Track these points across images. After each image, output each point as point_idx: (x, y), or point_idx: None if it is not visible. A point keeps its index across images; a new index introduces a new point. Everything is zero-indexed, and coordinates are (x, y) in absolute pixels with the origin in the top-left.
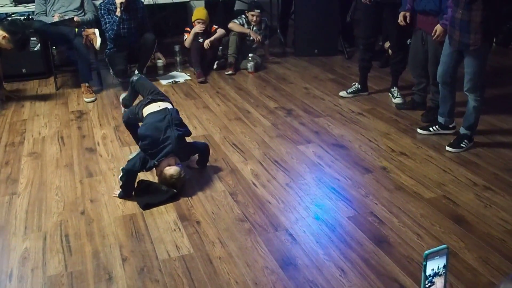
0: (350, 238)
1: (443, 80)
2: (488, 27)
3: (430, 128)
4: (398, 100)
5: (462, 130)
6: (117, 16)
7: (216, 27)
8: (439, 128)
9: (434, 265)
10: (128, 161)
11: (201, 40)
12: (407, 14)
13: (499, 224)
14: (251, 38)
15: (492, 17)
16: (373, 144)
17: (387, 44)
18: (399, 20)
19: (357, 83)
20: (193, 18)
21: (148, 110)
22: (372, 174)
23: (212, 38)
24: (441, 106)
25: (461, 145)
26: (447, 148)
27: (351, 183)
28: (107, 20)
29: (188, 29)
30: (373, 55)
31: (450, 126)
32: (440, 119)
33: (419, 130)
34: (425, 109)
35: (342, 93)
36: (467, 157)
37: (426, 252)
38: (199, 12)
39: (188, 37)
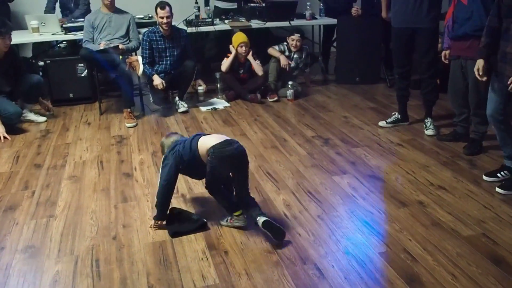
0: (380, 275)
1: (495, 119)
2: None
3: (498, 174)
4: (430, 132)
5: (507, 162)
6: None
7: (252, 52)
8: (508, 173)
9: None
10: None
11: (241, 71)
12: (447, 52)
13: None
14: (292, 65)
15: None
16: (410, 177)
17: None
18: (443, 59)
19: (397, 113)
20: (235, 43)
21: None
22: (407, 208)
23: (254, 64)
24: (504, 149)
25: (498, 174)
26: (498, 190)
27: (385, 217)
28: (143, 54)
29: (229, 55)
30: (410, 83)
31: None
32: (508, 163)
33: (485, 177)
34: (467, 141)
35: (382, 123)
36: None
37: None
38: (239, 36)
39: (226, 60)
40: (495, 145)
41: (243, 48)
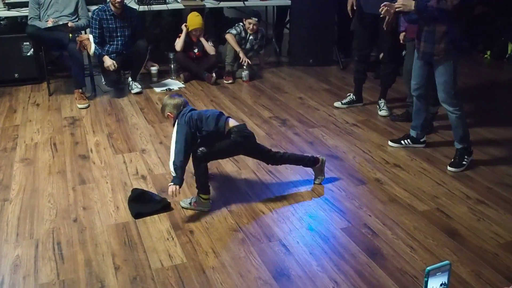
0: (344, 249)
1: (418, 93)
2: (452, 36)
3: (402, 142)
4: (383, 113)
5: (457, 145)
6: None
7: (207, 36)
8: (410, 142)
9: (436, 283)
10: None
11: (195, 50)
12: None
13: (492, 238)
14: (247, 47)
15: (456, 26)
16: (367, 156)
17: (382, 55)
18: (401, 41)
19: (352, 94)
20: (189, 25)
21: None
22: (366, 186)
23: (207, 47)
24: (414, 120)
25: (463, 163)
26: (449, 168)
27: (345, 194)
28: (93, 33)
29: (181, 34)
30: (368, 66)
31: (421, 140)
32: (412, 133)
33: (390, 143)
34: None
35: (337, 104)
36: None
37: (428, 268)
38: (193, 20)
39: (178, 40)
40: (445, 125)
41: (197, 32)
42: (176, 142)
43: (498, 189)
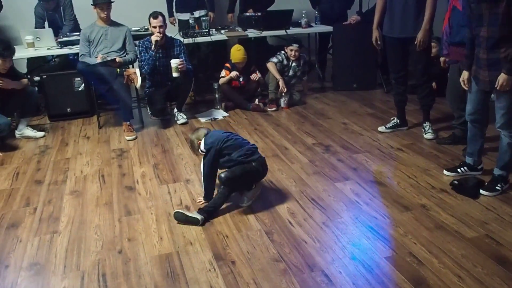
0: (388, 279)
1: (473, 118)
2: None
3: (458, 170)
4: (429, 136)
5: (497, 171)
6: (152, 51)
7: (254, 66)
8: (467, 170)
9: None
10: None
11: (241, 79)
12: (447, 59)
13: None
14: (290, 74)
15: None
16: (412, 181)
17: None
18: (441, 65)
19: (395, 118)
20: (233, 59)
21: None
22: (411, 212)
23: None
24: (469, 146)
25: (497, 188)
26: (482, 192)
27: (389, 221)
28: (143, 57)
29: (228, 65)
30: (407, 88)
31: (479, 167)
32: (469, 160)
33: (445, 172)
34: (466, 144)
35: (381, 128)
36: (511, 194)
37: None
38: (235, 54)
39: (223, 78)
40: (493, 147)
41: (240, 65)
42: (204, 166)
43: None
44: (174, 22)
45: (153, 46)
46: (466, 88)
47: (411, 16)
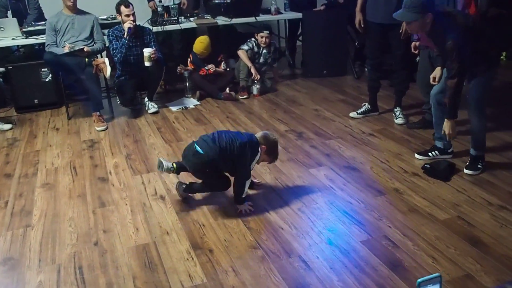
0: (365, 263)
1: (438, 100)
2: (490, 57)
3: (429, 154)
4: (399, 121)
5: (473, 151)
6: (125, 39)
7: (222, 56)
8: (438, 154)
9: None
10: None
11: (208, 67)
12: (417, 44)
13: None
14: (261, 61)
15: (489, 49)
16: (385, 165)
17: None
18: (412, 50)
19: (367, 103)
20: (195, 50)
21: None
22: (385, 196)
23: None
24: (436, 130)
25: (478, 166)
26: (466, 171)
27: (364, 206)
28: (114, 46)
29: (191, 57)
30: (382, 75)
31: (449, 151)
32: (439, 144)
33: (417, 156)
34: None
35: (352, 114)
36: (481, 176)
37: (419, 280)
38: (197, 45)
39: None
40: (462, 131)
41: (203, 55)
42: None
43: None
44: (154, 6)
45: (125, 34)
46: (434, 83)
47: (395, 2)
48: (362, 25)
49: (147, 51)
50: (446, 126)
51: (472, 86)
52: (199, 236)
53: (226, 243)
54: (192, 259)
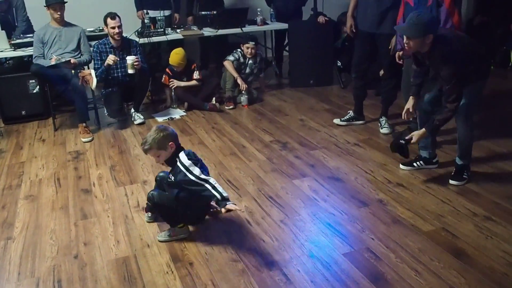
0: (346, 276)
1: (424, 109)
2: (480, 67)
3: (414, 164)
4: (385, 130)
5: (459, 161)
6: (105, 66)
7: (195, 65)
8: (423, 164)
9: None
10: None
11: (184, 79)
12: (401, 53)
13: (501, 256)
14: (247, 71)
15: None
16: (369, 176)
17: (382, 72)
18: (397, 60)
19: (351, 111)
20: (172, 63)
21: None
22: (368, 208)
23: (183, 84)
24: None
25: (464, 176)
26: (451, 181)
27: (347, 217)
28: (96, 65)
29: (168, 70)
30: (367, 83)
31: (434, 160)
32: (424, 153)
33: (401, 166)
34: None
35: (336, 121)
36: (466, 186)
37: None
38: (172, 57)
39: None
40: (448, 140)
41: (178, 68)
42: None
43: (506, 204)
44: (142, 16)
45: (105, 64)
46: (406, 119)
47: (384, 12)
48: (354, 30)
49: (130, 59)
50: (419, 134)
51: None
52: (180, 249)
53: (207, 256)
54: (172, 272)
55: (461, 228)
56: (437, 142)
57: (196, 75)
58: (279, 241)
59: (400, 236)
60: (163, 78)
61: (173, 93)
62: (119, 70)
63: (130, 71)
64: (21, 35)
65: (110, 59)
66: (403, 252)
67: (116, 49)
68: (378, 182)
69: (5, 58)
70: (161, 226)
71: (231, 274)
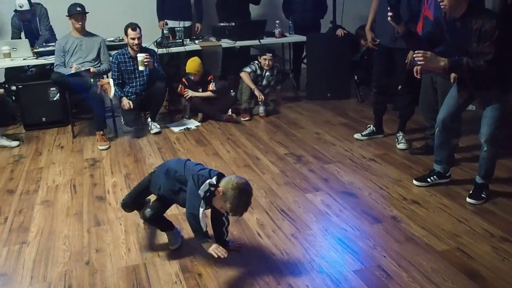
0: None
1: (444, 125)
2: (504, 79)
3: (428, 179)
4: (402, 146)
5: (479, 179)
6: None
7: (212, 76)
8: (437, 178)
9: None
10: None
11: (200, 90)
12: (419, 68)
13: None
14: (264, 83)
15: (505, 66)
16: (384, 192)
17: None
18: (414, 74)
19: (371, 125)
20: (188, 70)
21: None
22: (381, 224)
23: (198, 94)
24: (437, 154)
25: (482, 195)
26: (469, 200)
27: (359, 233)
28: (113, 76)
29: (184, 80)
30: (387, 98)
31: (447, 174)
32: (438, 168)
33: (415, 182)
34: None
35: (357, 136)
36: (483, 206)
37: None
38: (189, 65)
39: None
40: (467, 157)
41: (195, 77)
42: None
43: None
44: (163, 26)
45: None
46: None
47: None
48: (376, 41)
49: (140, 56)
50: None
51: (487, 112)
52: (189, 259)
53: (216, 268)
54: (180, 282)
55: (477, 249)
56: (455, 159)
57: (212, 86)
58: (289, 255)
59: (413, 255)
60: (179, 88)
61: (187, 103)
62: (137, 79)
63: (141, 68)
64: (44, 44)
65: (125, 104)
66: (415, 271)
67: (134, 59)
68: (392, 199)
69: (28, 66)
70: None
71: (240, 287)
